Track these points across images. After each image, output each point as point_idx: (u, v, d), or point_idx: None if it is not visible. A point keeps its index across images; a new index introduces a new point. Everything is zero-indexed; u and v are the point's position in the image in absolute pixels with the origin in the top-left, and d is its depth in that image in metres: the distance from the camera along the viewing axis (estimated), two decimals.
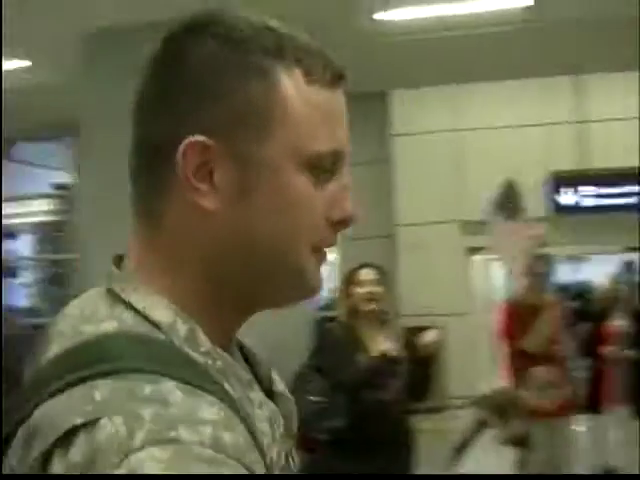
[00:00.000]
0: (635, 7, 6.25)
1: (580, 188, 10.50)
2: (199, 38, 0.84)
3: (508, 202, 8.05)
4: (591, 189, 10.62)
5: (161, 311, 0.83)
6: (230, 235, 0.85)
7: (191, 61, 0.83)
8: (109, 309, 0.83)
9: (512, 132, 10.62)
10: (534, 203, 9.34)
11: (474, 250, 10.44)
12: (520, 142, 10.46)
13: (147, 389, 0.74)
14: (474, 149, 10.45)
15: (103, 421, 0.71)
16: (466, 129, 10.58)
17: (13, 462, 0.77)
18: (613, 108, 10.50)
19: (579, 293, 9.91)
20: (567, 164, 10.51)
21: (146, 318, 0.82)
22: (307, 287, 0.91)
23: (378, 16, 6.99)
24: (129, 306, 0.83)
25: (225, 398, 0.78)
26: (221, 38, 0.83)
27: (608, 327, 7.64)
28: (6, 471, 0.77)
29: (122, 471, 0.68)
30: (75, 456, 0.70)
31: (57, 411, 0.74)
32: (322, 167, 0.86)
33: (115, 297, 0.84)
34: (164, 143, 0.84)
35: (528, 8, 7.08)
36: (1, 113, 7.11)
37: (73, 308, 0.86)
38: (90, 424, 0.71)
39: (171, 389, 0.74)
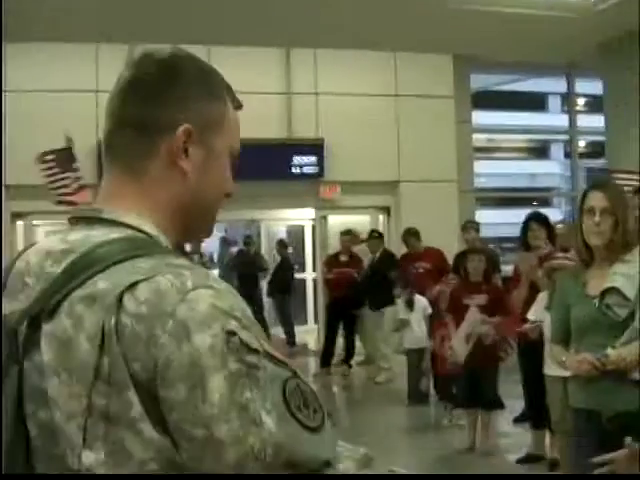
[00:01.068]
0: None
1: None
2: (191, 64, 1.32)
3: (67, 158, 8.01)
4: None
5: (150, 227, 1.25)
6: (192, 191, 1.30)
7: (185, 78, 1.30)
8: (107, 229, 1.22)
9: (64, 97, 10.36)
10: (90, 169, 9.23)
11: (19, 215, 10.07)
12: (72, 107, 10.23)
13: (175, 261, 1.17)
14: (29, 111, 10.06)
15: (158, 277, 1.11)
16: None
17: (67, 323, 1.11)
18: None
19: None
20: None
21: (140, 231, 1.24)
22: (210, 232, 1.41)
23: None
24: (124, 225, 1.23)
25: None
26: (201, 68, 1.33)
27: None
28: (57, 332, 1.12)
29: (185, 305, 1.08)
30: (141, 295, 1.09)
31: (118, 275, 1.12)
32: (234, 158, 1.37)
33: (106, 222, 1.24)
34: (164, 123, 1.27)
35: None
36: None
37: (64, 242, 1.23)
38: (148, 279, 1.11)
39: (187, 262, 1.19)
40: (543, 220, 6.88)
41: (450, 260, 9.31)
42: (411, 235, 10.18)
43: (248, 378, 1.09)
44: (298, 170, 12.31)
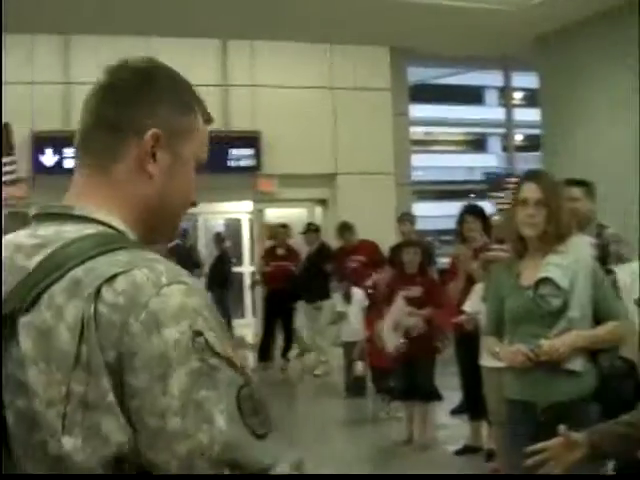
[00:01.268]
0: None
1: (63, 150, 10.39)
2: (164, 73, 1.40)
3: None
4: (72, 150, 10.62)
5: (118, 223, 1.31)
6: (157, 193, 1.36)
7: (156, 85, 1.38)
8: (79, 225, 1.28)
9: None
10: (19, 162, 8.99)
11: None
12: (5, 99, 9.99)
13: (149, 255, 1.24)
14: None
15: (135, 271, 1.18)
16: None
17: (47, 315, 1.17)
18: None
19: None
20: (50, 124, 10.31)
21: (111, 227, 1.29)
22: (174, 235, 1.50)
23: None
24: (95, 221, 1.29)
25: None
26: (173, 79, 1.41)
27: None
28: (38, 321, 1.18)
29: (159, 298, 1.16)
30: (119, 287, 1.16)
31: (97, 268, 1.18)
32: (199, 167, 1.43)
33: (77, 219, 1.29)
34: (134, 127, 1.33)
35: None
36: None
37: (33, 237, 1.27)
38: (125, 272, 1.17)
39: (160, 256, 1.26)
40: (478, 212, 6.91)
41: (386, 252, 9.31)
42: (345, 229, 10.19)
43: (208, 378, 1.16)
44: (235, 163, 12.19)
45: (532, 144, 17.13)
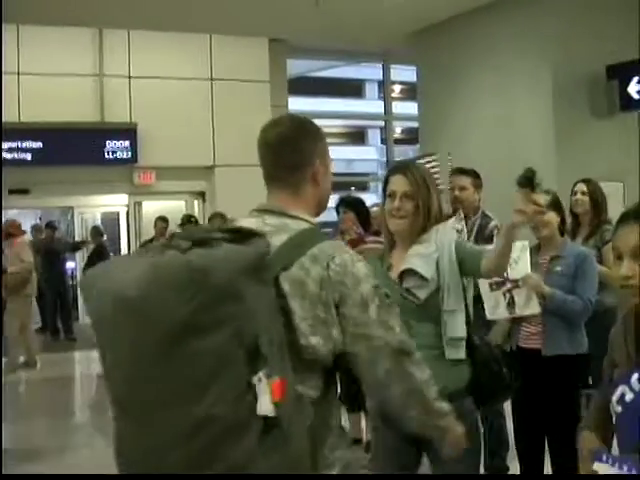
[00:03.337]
0: None
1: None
2: (306, 121, 2.34)
3: None
4: None
5: (312, 219, 2.27)
6: (322, 193, 2.32)
7: (309, 131, 2.32)
8: (294, 220, 2.21)
9: None
10: None
11: None
12: None
13: (339, 243, 2.34)
14: None
15: (343, 254, 2.17)
16: None
17: (299, 273, 2.09)
18: None
19: None
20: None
21: (310, 223, 2.24)
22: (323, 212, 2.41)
23: None
24: (300, 218, 2.23)
25: None
26: (311, 122, 2.37)
27: None
28: (287, 281, 2.10)
29: (355, 268, 2.17)
30: (337, 261, 2.13)
31: (324, 250, 2.14)
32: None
33: (291, 217, 2.22)
34: (307, 162, 2.27)
35: None
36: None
37: (265, 224, 2.20)
38: (337, 254, 2.15)
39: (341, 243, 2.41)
40: (349, 204, 6.91)
41: None
42: (217, 218, 10.05)
43: (388, 310, 2.17)
44: (111, 155, 11.88)
45: (410, 137, 17.37)
